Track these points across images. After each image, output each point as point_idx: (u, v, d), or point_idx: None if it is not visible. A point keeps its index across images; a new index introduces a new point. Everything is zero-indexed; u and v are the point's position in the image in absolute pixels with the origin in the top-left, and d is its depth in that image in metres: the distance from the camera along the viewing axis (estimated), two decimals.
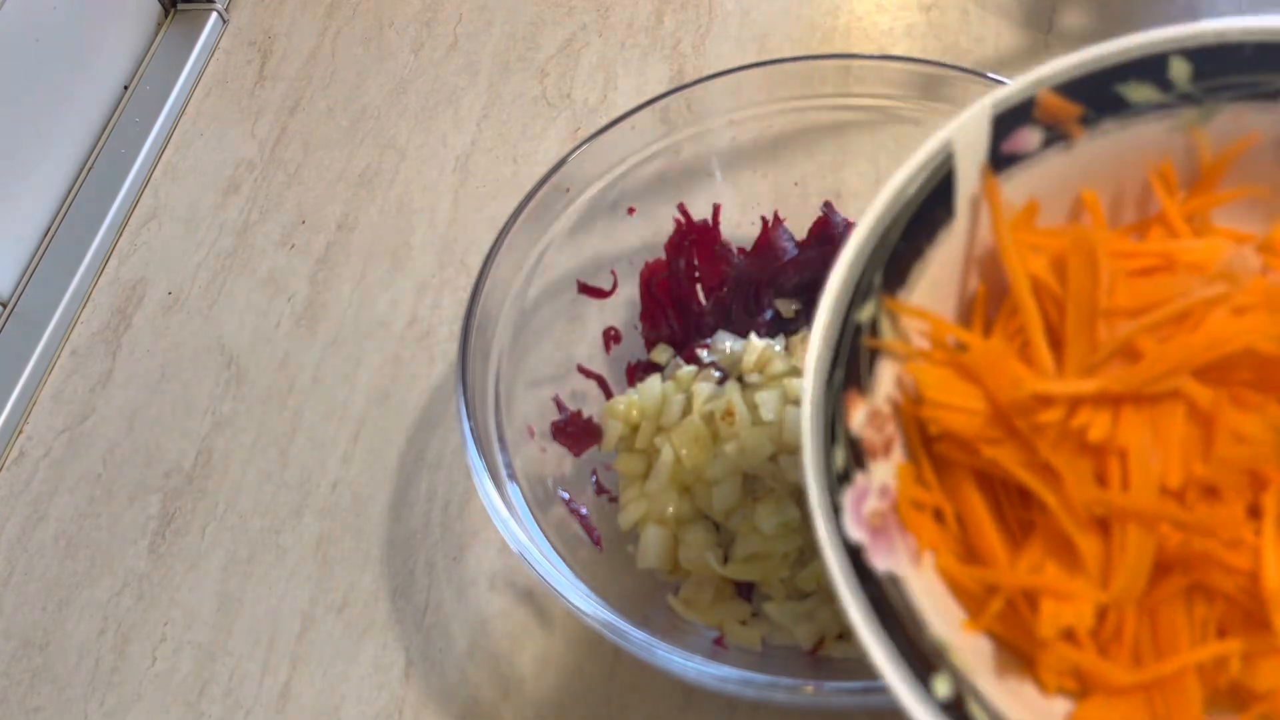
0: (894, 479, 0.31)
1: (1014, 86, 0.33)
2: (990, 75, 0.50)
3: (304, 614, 0.51)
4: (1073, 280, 0.31)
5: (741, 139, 0.56)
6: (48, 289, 0.64)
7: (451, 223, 0.64)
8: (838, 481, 0.29)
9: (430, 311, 0.61)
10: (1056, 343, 0.31)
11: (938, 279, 0.34)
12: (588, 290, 0.54)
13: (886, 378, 0.32)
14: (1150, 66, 0.33)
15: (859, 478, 0.30)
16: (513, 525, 0.42)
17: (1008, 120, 0.33)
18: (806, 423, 0.30)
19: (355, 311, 0.61)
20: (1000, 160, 0.33)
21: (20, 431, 0.59)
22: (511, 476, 0.45)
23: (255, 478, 0.56)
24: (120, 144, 0.70)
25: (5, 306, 0.63)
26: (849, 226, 0.54)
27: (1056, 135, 0.34)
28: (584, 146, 0.51)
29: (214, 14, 0.77)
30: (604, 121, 0.52)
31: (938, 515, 0.32)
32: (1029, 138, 0.33)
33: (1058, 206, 0.34)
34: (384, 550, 0.52)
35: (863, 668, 0.43)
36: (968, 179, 0.33)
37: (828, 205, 0.55)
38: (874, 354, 0.32)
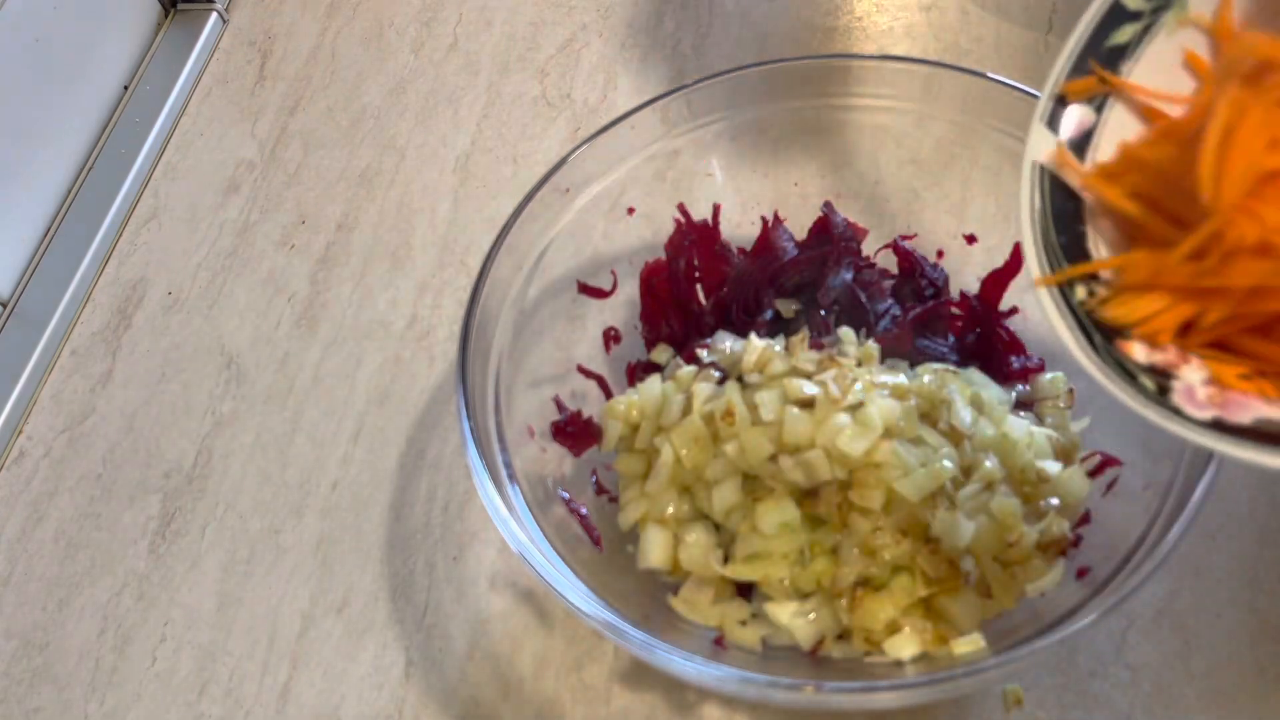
0: None
1: None
2: (990, 75, 0.50)
3: (304, 614, 0.51)
4: None
5: (741, 139, 0.56)
6: (48, 289, 0.64)
7: (451, 223, 0.64)
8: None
9: (430, 311, 0.61)
10: None
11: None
12: (588, 290, 0.54)
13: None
14: None
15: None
16: (513, 525, 0.42)
17: None
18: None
19: (355, 311, 0.61)
20: None
21: (20, 431, 0.59)
22: (511, 476, 0.45)
23: (255, 478, 0.56)
24: (120, 144, 0.70)
25: (5, 306, 0.63)
26: (849, 226, 0.54)
27: None
28: (584, 146, 0.51)
29: (214, 14, 0.77)
30: (604, 121, 0.52)
31: None
32: None
33: None
34: (384, 550, 0.52)
35: (863, 668, 0.43)
36: None
37: (828, 205, 0.55)
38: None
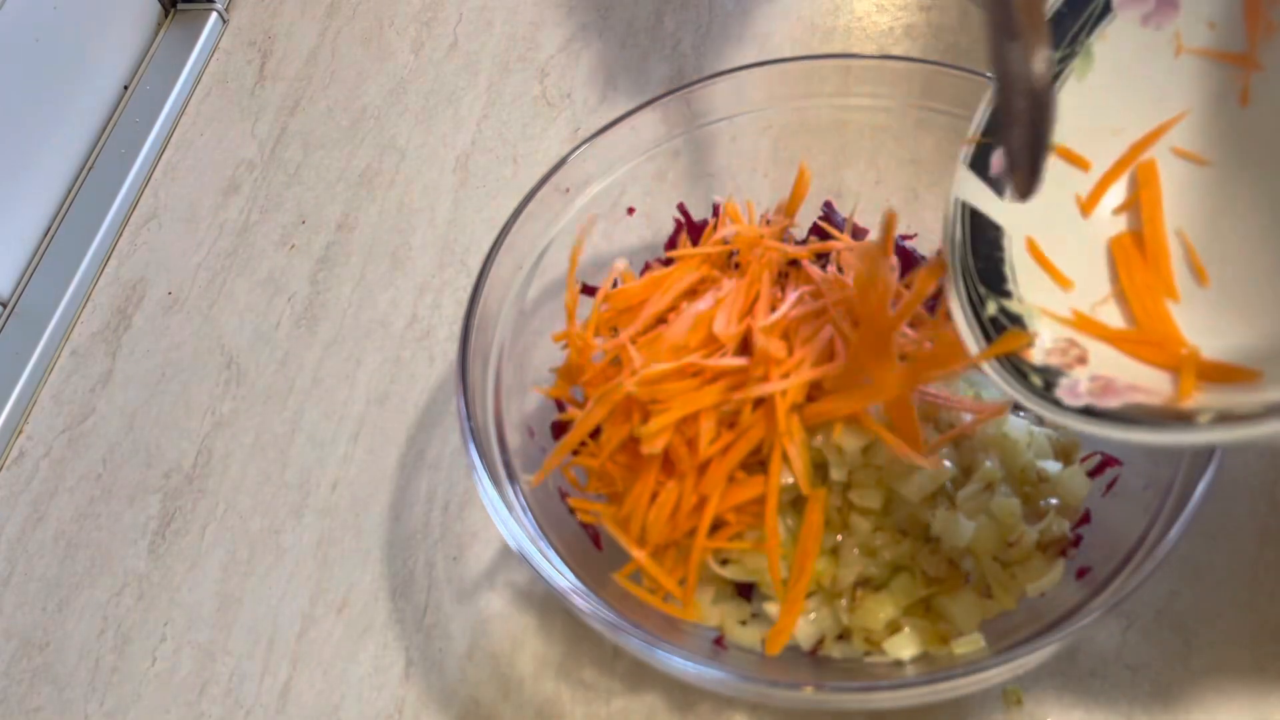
0: None
1: None
2: (990, 75, 0.50)
3: (304, 614, 0.51)
4: None
5: (741, 139, 0.56)
6: (48, 289, 0.64)
7: (451, 223, 0.64)
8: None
9: (430, 311, 0.61)
10: None
11: None
12: (588, 290, 0.54)
13: None
14: None
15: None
16: (513, 525, 0.42)
17: None
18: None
19: (355, 311, 0.61)
20: None
21: (20, 431, 0.59)
22: (511, 476, 0.45)
23: (255, 478, 0.56)
24: (120, 144, 0.70)
25: (5, 306, 0.64)
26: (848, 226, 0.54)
27: None
28: (584, 146, 0.51)
29: (214, 14, 0.77)
30: (604, 121, 0.52)
31: None
32: None
33: None
34: (384, 550, 0.52)
35: (863, 668, 0.43)
36: None
37: (828, 205, 0.55)
38: None
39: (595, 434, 0.46)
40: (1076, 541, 0.45)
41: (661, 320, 0.48)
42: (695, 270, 0.50)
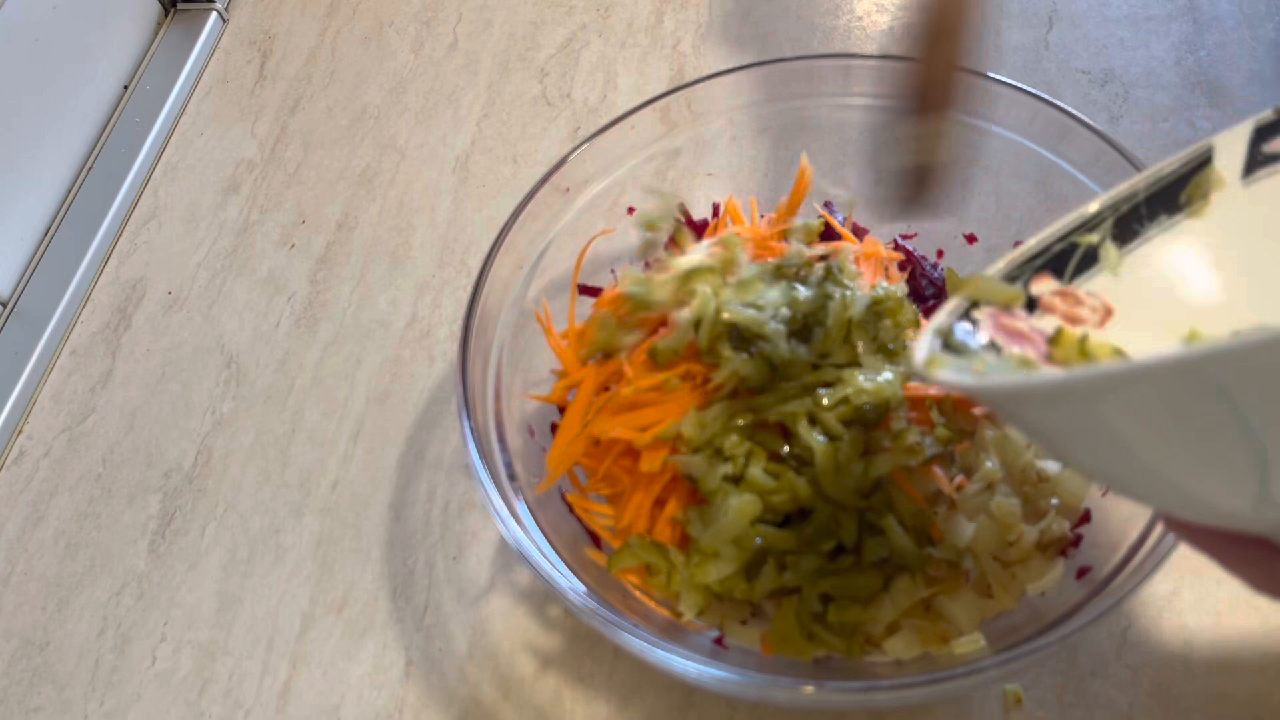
0: None
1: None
2: (990, 75, 0.50)
3: (304, 614, 0.51)
4: None
5: (741, 139, 0.56)
6: (48, 289, 0.64)
7: (451, 223, 0.64)
8: None
9: (430, 311, 0.61)
10: None
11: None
12: (588, 290, 0.54)
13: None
14: None
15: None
16: (513, 525, 0.42)
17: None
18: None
19: (355, 311, 0.61)
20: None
21: (20, 431, 0.59)
22: (511, 476, 0.45)
23: (255, 478, 0.56)
24: (120, 144, 0.70)
25: (5, 306, 0.63)
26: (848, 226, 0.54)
27: None
28: (584, 146, 0.51)
29: (214, 14, 0.77)
30: (604, 121, 0.52)
31: None
32: None
33: None
34: (384, 550, 0.52)
35: (863, 668, 0.43)
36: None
37: (828, 205, 0.55)
38: None
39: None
40: (1076, 541, 0.45)
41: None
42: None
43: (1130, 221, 0.39)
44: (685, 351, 0.46)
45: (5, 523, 0.56)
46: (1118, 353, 0.36)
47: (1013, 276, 0.38)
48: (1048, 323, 0.37)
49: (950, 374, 0.33)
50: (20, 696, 0.50)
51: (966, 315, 0.37)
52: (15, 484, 0.57)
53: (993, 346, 0.36)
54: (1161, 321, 0.37)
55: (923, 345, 0.35)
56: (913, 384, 0.45)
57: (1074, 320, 0.38)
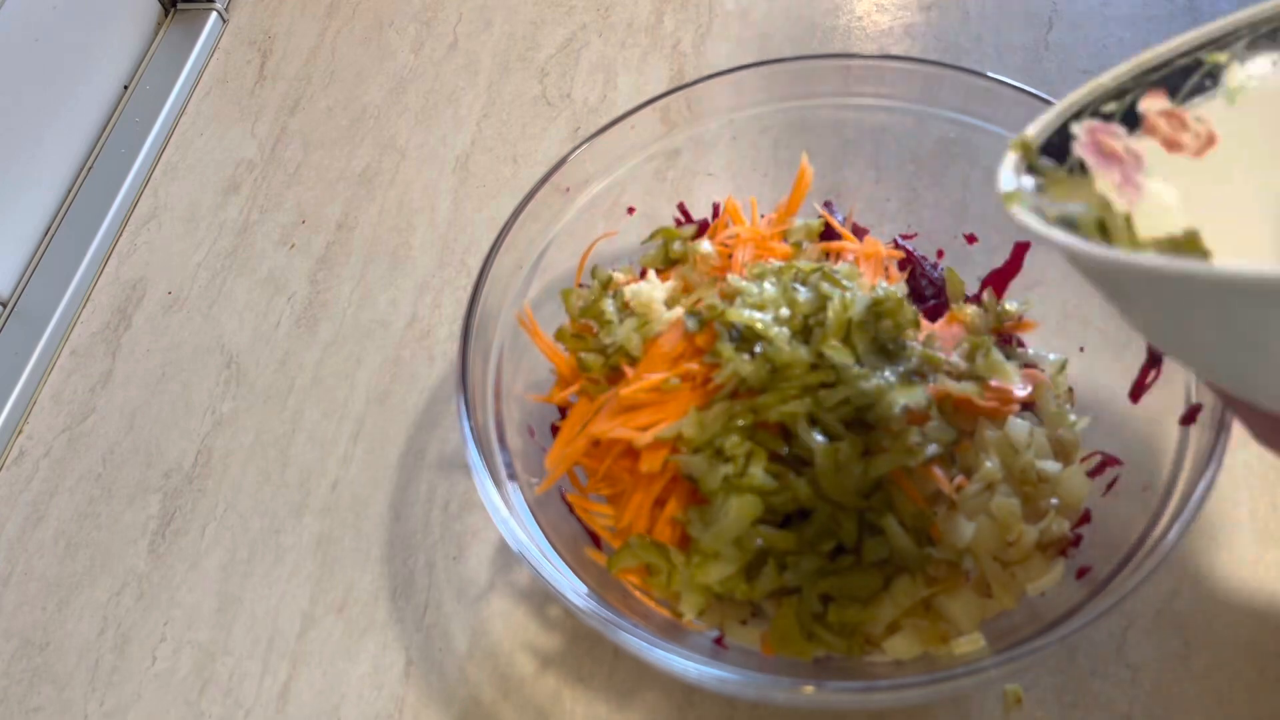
0: None
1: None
2: (990, 75, 0.50)
3: (304, 614, 0.51)
4: None
5: (741, 139, 0.56)
6: (48, 289, 0.64)
7: (451, 223, 0.64)
8: None
9: (430, 311, 0.61)
10: None
11: None
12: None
13: None
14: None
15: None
16: (513, 525, 0.42)
17: None
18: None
19: (355, 311, 0.61)
20: None
21: (20, 431, 0.59)
22: (512, 476, 0.45)
23: (255, 478, 0.56)
24: (120, 144, 0.70)
25: (5, 306, 0.63)
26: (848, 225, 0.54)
27: None
28: (584, 146, 0.51)
29: (214, 14, 0.77)
30: (604, 121, 0.52)
31: None
32: None
33: None
34: (384, 550, 0.52)
35: (863, 668, 0.43)
36: None
37: (828, 205, 0.55)
38: None
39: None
40: (1076, 541, 0.45)
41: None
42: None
43: (1265, 47, 0.35)
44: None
45: (5, 523, 0.56)
46: (1171, 243, 0.33)
47: (1125, 90, 0.35)
48: (1145, 145, 0.34)
49: (1031, 220, 0.30)
50: (20, 696, 0.50)
51: (1065, 127, 0.34)
52: (15, 484, 0.57)
53: (1081, 168, 0.33)
54: (1261, 167, 0.34)
55: (1007, 169, 0.32)
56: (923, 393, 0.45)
57: (1173, 145, 0.34)
